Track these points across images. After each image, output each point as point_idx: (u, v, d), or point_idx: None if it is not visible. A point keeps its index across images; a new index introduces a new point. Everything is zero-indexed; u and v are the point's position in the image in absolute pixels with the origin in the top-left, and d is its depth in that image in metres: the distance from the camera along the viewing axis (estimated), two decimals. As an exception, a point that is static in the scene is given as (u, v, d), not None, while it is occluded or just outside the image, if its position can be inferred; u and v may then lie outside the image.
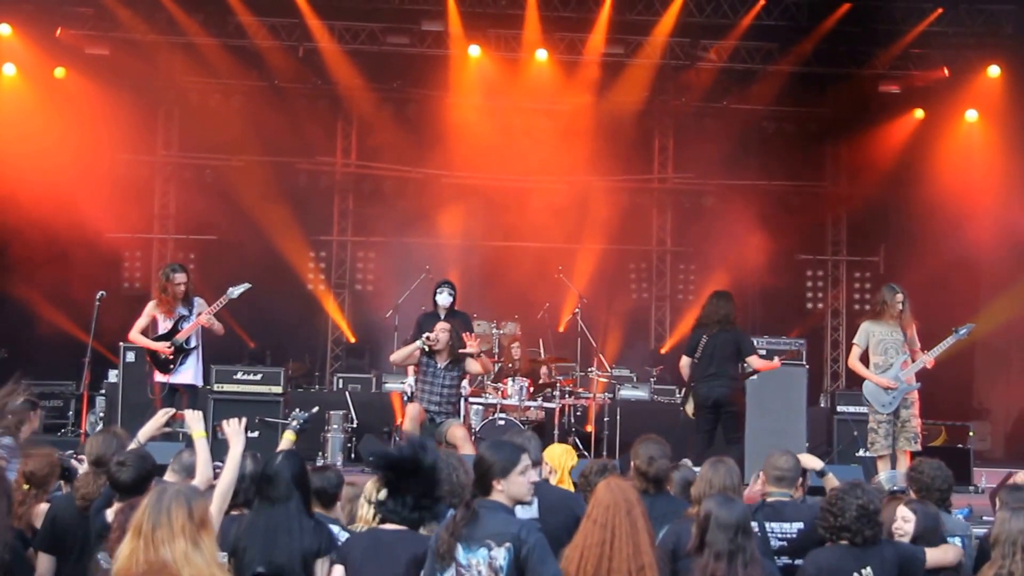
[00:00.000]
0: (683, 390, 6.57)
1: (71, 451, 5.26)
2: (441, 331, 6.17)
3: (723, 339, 6.25)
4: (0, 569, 3.36)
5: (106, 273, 9.53)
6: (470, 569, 2.73)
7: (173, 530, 2.40)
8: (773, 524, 3.53)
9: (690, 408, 6.41)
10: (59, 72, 9.72)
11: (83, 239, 9.32)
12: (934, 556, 3.47)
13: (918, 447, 6.05)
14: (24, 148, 9.17)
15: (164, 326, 6.37)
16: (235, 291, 6.44)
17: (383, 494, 3.03)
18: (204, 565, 2.41)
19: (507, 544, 2.73)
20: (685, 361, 6.42)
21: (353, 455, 7.67)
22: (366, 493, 3.32)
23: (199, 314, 6.35)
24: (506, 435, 3.69)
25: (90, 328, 6.84)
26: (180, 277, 6.33)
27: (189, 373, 6.37)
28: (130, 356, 7.83)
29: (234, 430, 3.33)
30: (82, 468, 4.17)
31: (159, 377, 6.38)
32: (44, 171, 9.12)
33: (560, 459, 4.09)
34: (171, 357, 6.31)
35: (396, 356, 6.36)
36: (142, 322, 6.39)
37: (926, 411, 8.95)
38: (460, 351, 6.20)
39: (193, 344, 6.37)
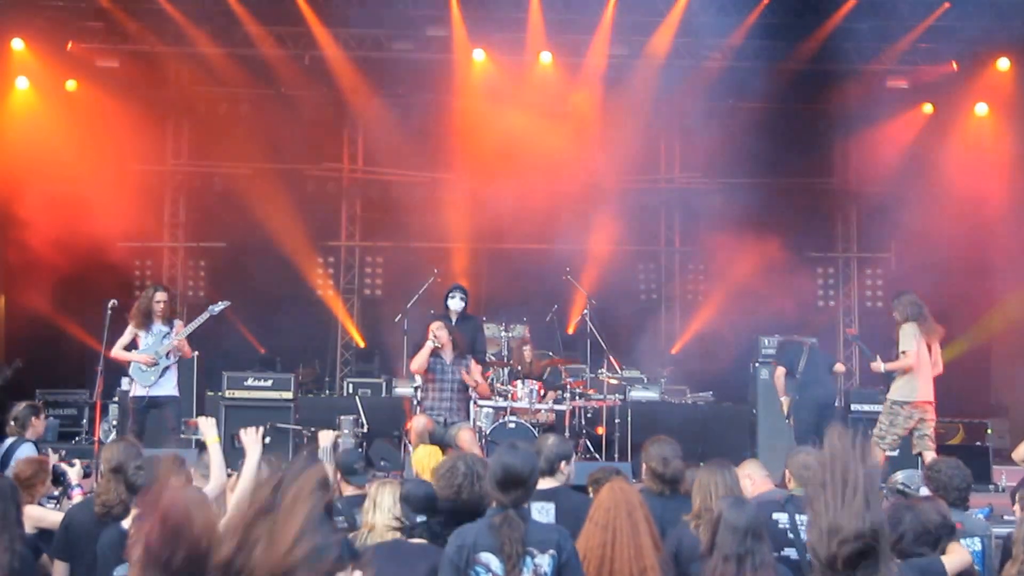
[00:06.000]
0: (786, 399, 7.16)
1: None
2: (438, 330, 6.26)
3: (821, 356, 7.03)
4: (10, 576, 3.37)
5: (117, 282, 9.58)
6: None
7: None
8: (804, 516, 3.53)
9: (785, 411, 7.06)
10: (70, 85, 9.85)
11: (95, 249, 9.40)
12: (952, 563, 3.38)
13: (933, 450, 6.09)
14: (36, 159, 9.27)
15: (145, 342, 6.54)
16: (215, 308, 6.65)
17: (396, 508, 3.02)
18: None
19: (551, 551, 2.70)
20: (782, 371, 7.05)
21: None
22: (372, 496, 3.32)
23: (177, 333, 6.54)
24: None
25: (102, 337, 6.89)
26: (160, 296, 6.55)
27: (168, 386, 6.55)
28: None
29: (251, 438, 3.34)
30: (72, 470, 4.24)
31: (138, 391, 6.51)
32: (56, 182, 9.23)
33: (423, 462, 4.04)
34: (153, 365, 6.46)
35: (415, 364, 6.41)
36: (124, 339, 6.58)
37: (944, 409, 8.87)
38: (462, 343, 6.38)
39: (172, 360, 6.55)
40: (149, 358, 6.44)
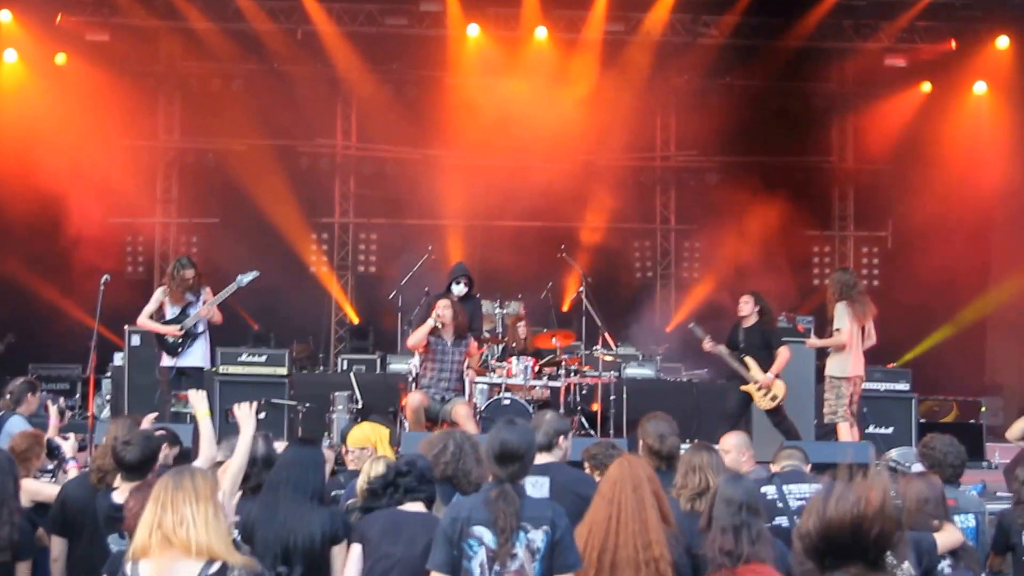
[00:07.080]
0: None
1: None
2: (444, 308, 6.23)
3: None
4: (9, 549, 3.39)
5: (109, 257, 9.55)
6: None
7: (198, 494, 2.40)
8: (791, 486, 3.69)
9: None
10: (60, 58, 9.71)
11: (86, 224, 9.35)
12: (943, 541, 3.45)
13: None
14: (26, 134, 9.18)
15: (172, 311, 6.56)
16: (244, 279, 6.61)
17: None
18: (221, 534, 2.41)
19: (544, 527, 2.74)
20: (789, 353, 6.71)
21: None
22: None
23: (204, 301, 6.52)
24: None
25: (95, 312, 6.85)
26: (189, 273, 6.57)
27: (196, 356, 6.58)
28: (135, 340, 7.86)
29: (245, 414, 3.35)
30: (66, 444, 4.24)
31: (166, 361, 6.59)
32: (46, 157, 9.13)
33: (370, 438, 3.98)
34: (180, 339, 6.48)
35: (412, 340, 6.39)
36: (150, 307, 6.60)
37: (938, 387, 8.87)
38: (464, 325, 6.33)
39: (200, 329, 6.56)
40: (176, 331, 6.45)
